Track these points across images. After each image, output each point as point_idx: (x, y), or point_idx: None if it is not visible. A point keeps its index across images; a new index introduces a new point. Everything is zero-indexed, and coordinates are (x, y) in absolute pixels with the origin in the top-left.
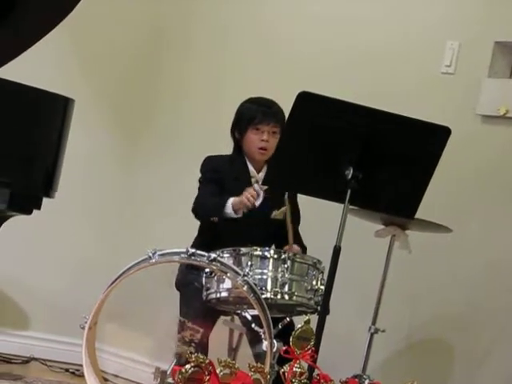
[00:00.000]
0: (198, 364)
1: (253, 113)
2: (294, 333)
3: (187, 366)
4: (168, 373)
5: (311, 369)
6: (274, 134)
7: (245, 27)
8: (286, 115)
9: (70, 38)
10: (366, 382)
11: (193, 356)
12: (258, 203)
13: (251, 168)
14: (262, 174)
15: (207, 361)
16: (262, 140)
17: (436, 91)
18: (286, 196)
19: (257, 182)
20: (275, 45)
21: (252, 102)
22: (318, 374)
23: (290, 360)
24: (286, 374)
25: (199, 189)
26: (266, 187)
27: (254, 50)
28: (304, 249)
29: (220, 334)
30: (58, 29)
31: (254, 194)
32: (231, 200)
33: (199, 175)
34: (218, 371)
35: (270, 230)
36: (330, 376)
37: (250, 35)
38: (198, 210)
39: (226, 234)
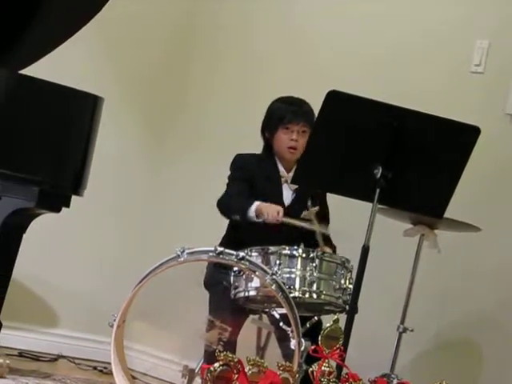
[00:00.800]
0: (226, 362)
1: (283, 112)
2: (322, 332)
3: (216, 365)
4: (196, 371)
5: (340, 368)
6: (303, 133)
7: (274, 25)
8: (316, 115)
9: (101, 37)
10: (395, 381)
11: (222, 354)
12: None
13: (281, 167)
14: (291, 174)
15: (236, 359)
16: (292, 139)
17: (465, 90)
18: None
19: (286, 181)
20: (304, 43)
21: (282, 101)
22: (346, 373)
23: (318, 359)
24: (315, 373)
25: (227, 186)
26: (295, 186)
27: (283, 50)
28: (334, 248)
29: (248, 333)
30: (90, 29)
31: (276, 218)
32: (256, 204)
33: (227, 173)
34: (246, 370)
35: (299, 229)
36: (358, 375)
37: (278, 34)
38: (222, 206)
39: (254, 233)
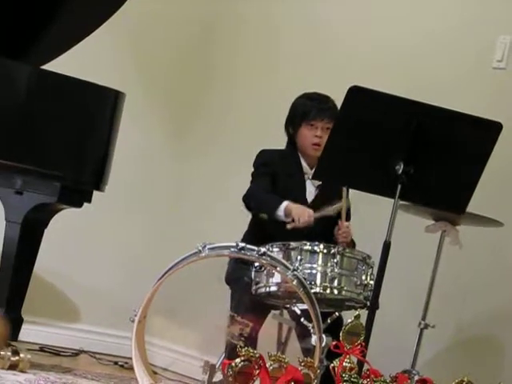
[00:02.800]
0: (248, 358)
1: (307, 108)
2: (344, 328)
3: (237, 360)
4: (217, 366)
5: (361, 364)
6: (327, 129)
7: (297, 21)
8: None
9: (125, 32)
10: (416, 377)
11: (243, 350)
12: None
13: (304, 164)
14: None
15: (257, 355)
16: (316, 136)
17: (487, 86)
18: (345, 194)
19: (309, 178)
20: (327, 40)
21: (307, 97)
22: (368, 370)
23: (339, 355)
24: (336, 368)
25: (252, 181)
26: (318, 183)
27: (305, 46)
28: (353, 244)
29: (269, 329)
30: (113, 23)
31: (307, 222)
32: (285, 204)
33: (250, 168)
34: (267, 365)
35: (320, 226)
36: (379, 371)
37: (301, 31)
38: (250, 201)
39: (276, 229)
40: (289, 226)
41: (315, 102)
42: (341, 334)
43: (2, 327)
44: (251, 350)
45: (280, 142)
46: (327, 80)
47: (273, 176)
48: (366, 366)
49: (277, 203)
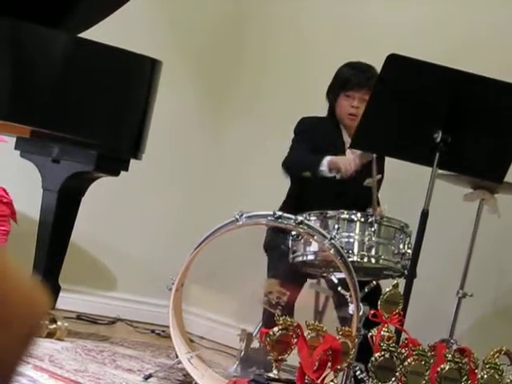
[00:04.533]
0: (285, 327)
1: (346, 78)
2: (382, 297)
3: (275, 329)
4: (254, 335)
5: (399, 333)
6: (365, 101)
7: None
8: None
9: (161, 5)
10: (454, 346)
11: (281, 319)
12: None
13: (344, 132)
14: None
15: (295, 324)
16: (352, 106)
17: None
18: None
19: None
20: (366, 12)
21: (349, 66)
22: (406, 339)
23: (376, 324)
24: (374, 337)
25: (291, 148)
26: (358, 152)
27: (343, 18)
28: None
29: (306, 297)
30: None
31: (354, 164)
32: (328, 158)
33: (287, 137)
34: (305, 334)
35: (359, 197)
36: (418, 340)
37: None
38: (292, 163)
39: (313, 197)
40: (338, 176)
41: (356, 71)
42: (379, 303)
43: (42, 296)
44: (289, 319)
45: (317, 109)
46: (364, 49)
47: (313, 143)
48: (403, 335)
49: (319, 159)
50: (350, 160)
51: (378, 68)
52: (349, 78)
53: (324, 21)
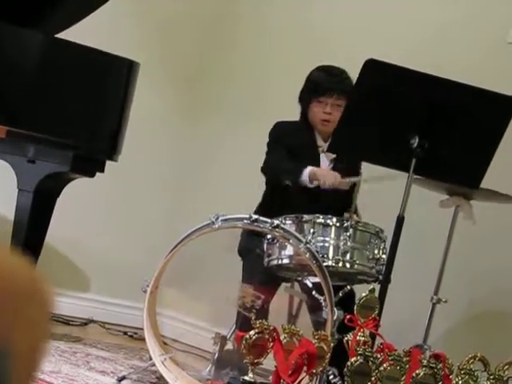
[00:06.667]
0: (262, 330)
1: (317, 83)
2: (358, 301)
3: (251, 332)
4: (228, 338)
5: (373, 337)
6: (338, 106)
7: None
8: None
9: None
10: (427, 352)
11: (257, 322)
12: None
13: (318, 137)
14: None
15: (271, 327)
16: (325, 112)
17: (502, 61)
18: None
19: (323, 151)
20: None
21: (320, 70)
22: (381, 344)
23: (349, 329)
24: (350, 342)
25: (268, 153)
26: (333, 156)
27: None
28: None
29: (281, 301)
30: None
31: (335, 184)
32: (309, 169)
33: (266, 141)
34: (281, 338)
35: (335, 201)
36: (393, 345)
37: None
38: (272, 170)
39: (288, 202)
40: (317, 183)
41: (327, 75)
42: (355, 308)
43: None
44: (265, 323)
45: (290, 112)
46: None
47: (288, 148)
48: (378, 340)
49: (300, 169)
50: (330, 174)
51: (356, 72)
52: (320, 82)
53: (290, 21)
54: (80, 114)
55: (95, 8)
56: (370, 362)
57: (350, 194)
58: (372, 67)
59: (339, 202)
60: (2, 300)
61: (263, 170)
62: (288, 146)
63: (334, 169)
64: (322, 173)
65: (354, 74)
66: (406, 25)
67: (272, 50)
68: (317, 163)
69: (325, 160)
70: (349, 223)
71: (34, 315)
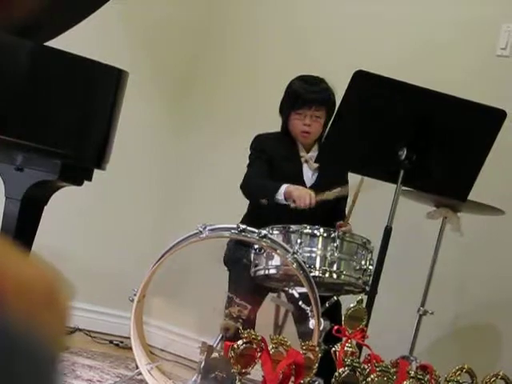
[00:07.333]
0: (250, 340)
1: (296, 94)
2: (346, 312)
3: (239, 342)
4: (214, 347)
5: (360, 348)
6: (317, 117)
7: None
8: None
9: (133, 17)
10: (414, 363)
11: (245, 332)
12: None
13: (300, 147)
14: (311, 154)
15: (259, 337)
16: (305, 124)
17: (491, 74)
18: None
19: (306, 161)
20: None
21: (299, 80)
22: (368, 354)
23: (336, 339)
24: (338, 353)
25: (249, 166)
26: (316, 165)
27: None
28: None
29: (267, 311)
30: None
31: (307, 204)
32: (285, 187)
33: (249, 153)
34: (269, 348)
35: (319, 210)
36: (380, 357)
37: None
38: (248, 189)
39: (274, 212)
40: (292, 205)
41: (307, 85)
42: (343, 319)
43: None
44: (253, 333)
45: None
46: (335, 63)
47: (269, 161)
48: (365, 351)
49: (276, 187)
50: (305, 196)
51: (345, 75)
52: (299, 94)
53: (280, 23)
54: (68, 123)
55: (85, 17)
56: (358, 373)
57: (342, 204)
58: (360, 78)
59: (326, 212)
60: (16, 308)
61: (242, 188)
62: (270, 158)
63: (319, 179)
64: (297, 194)
65: (343, 78)
66: (396, 36)
67: (262, 58)
68: (299, 174)
69: (307, 170)
70: (336, 234)
71: (49, 325)
